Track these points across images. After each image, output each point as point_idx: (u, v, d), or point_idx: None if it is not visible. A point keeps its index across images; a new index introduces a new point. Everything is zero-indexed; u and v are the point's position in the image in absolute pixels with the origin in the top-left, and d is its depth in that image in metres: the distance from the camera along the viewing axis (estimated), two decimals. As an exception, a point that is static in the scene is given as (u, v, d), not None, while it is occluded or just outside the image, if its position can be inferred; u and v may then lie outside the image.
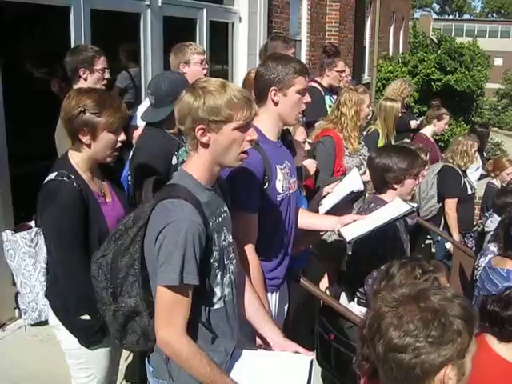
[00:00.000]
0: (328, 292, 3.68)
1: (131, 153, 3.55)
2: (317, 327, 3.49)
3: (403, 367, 1.48)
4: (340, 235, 3.01)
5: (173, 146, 3.41)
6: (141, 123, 3.86)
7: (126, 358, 3.74)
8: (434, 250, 6.64)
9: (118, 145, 2.71)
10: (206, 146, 2.18)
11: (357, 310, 3.38)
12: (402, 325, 1.48)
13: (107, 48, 4.53)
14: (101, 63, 4.00)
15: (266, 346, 2.62)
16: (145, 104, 4.19)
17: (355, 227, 2.98)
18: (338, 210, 3.42)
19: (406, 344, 1.46)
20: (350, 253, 3.63)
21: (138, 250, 2.21)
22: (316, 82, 5.94)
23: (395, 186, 3.40)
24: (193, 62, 4.19)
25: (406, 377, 1.49)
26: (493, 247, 4.25)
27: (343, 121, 4.74)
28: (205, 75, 4.20)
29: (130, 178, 3.50)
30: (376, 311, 1.56)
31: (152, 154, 3.37)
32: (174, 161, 3.40)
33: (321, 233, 3.66)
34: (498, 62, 43.87)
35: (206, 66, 4.30)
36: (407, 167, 3.37)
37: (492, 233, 4.58)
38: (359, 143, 4.89)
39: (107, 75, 4.09)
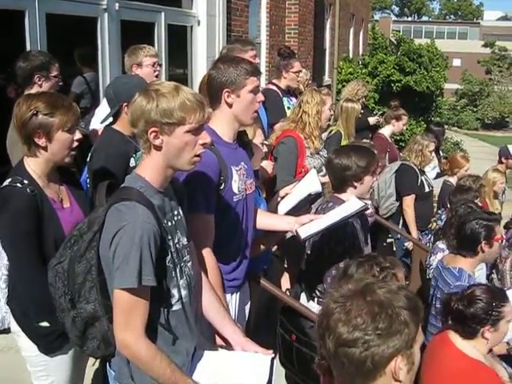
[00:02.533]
0: (288, 292, 3.69)
1: (89, 154, 3.55)
2: (278, 328, 3.50)
3: (354, 361, 1.50)
4: (297, 234, 3.05)
5: (130, 148, 3.42)
6: (99, 126, 3.94)
7: (92, 364, 3.71)
8: (395, 249, 6.72)
9: (75, 144, 2.70)
10: (158, 148, 2.19)
11: (317, 309, 3.40)
12: (351, 320, 1.50)
13: (63, 53, 4.48)
14: (56, 70, 4.00)
15: (227, 345, 2.63)
16: (101, 107, 4.27)
17: (311, 226, 3.01)
18: (297, 211, 3.45)
19: (355, 338, 1.49)
20: (308, 252, 3.65)
21: (94, 256, 2.20)
22: (274, 84, 5.97)
23: (355, 184, 3.43)
24: (145, 64, 4.33)
25: (358, 370, 1.51)
26: (441, 244, 4.32)
27: (305, 119, 4.73)
28: (156, 77, 4.35)
29: (88, 180, 3.49)
30: (324, 308, 1.59)
31: (109, 155, 3.38)
32: (133, 163, 3.40)
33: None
34: (456, 62, 44.69)
35: (158, 69, 4.45)
36: (366, 165, 3.41)
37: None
38: (320, 144, 4.92)
39: (61, 82, 4.11)
